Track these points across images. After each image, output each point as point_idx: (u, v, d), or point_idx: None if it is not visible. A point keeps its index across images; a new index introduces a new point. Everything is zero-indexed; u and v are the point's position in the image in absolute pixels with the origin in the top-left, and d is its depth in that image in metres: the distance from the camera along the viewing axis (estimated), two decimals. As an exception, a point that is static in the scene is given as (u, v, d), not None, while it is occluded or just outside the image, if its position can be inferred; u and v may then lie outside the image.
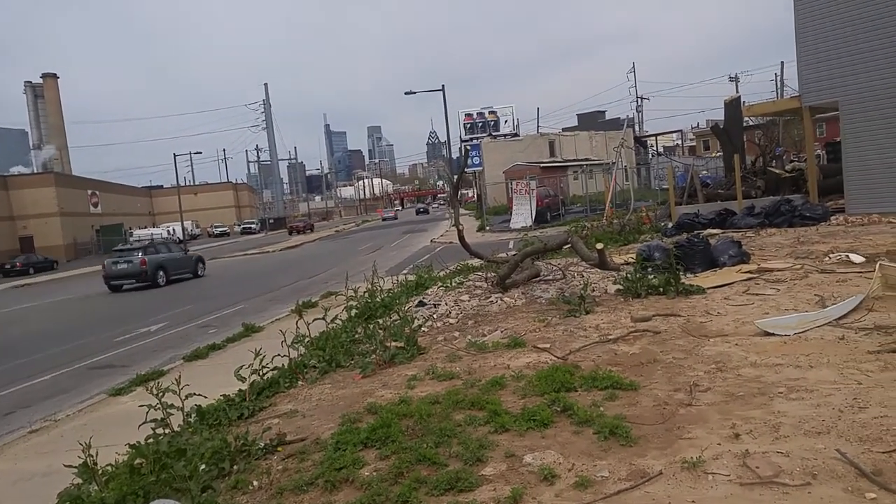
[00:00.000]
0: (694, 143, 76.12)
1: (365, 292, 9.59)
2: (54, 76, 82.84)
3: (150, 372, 8.05)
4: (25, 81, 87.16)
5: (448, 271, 12.83)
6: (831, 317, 5.86)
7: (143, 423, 4.36)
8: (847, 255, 9.18)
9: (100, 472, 3.77)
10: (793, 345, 5.29)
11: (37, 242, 46.43)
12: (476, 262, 12.77)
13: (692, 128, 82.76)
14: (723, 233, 14.37)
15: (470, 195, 69.02)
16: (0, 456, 5.80)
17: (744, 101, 23.97)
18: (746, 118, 25.42)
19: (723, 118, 22.90)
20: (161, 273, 21.52)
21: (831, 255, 9.52)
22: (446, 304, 9.31)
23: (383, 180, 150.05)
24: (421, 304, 9.53)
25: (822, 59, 15.62)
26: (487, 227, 31.06)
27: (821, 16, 15.50)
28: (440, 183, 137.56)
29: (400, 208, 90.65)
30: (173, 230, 59.23)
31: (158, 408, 4.22)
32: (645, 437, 3.78)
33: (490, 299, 9.16)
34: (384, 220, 68.37)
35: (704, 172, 33.10)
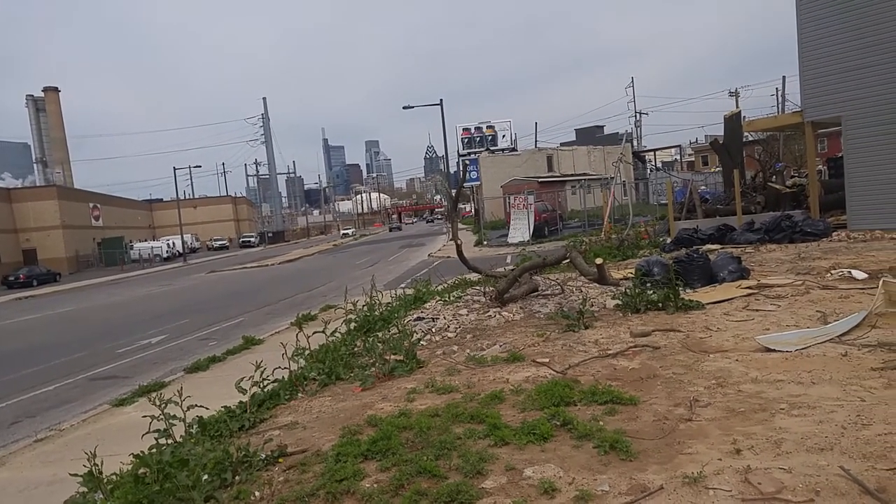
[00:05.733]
0: (693, 159, 76.63)
1: (364, 306, 9.62)
2: (56, 90, 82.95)
3: (151, 383, 8.08)
4: (27, 95, 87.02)
5: (446, 285, 12.82)
6: (833, 333, 5.81)
7: (147, 433, 4.39)
8: (849, 272, 9.10)
9: (105, 480, 3.79)
10: (794, 361, 5.27)
11: (40, 255, 46.47)
12: (474, 276, 12.78)
13: (691, 143, 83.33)
14: (722, 248, 14.35)
15: (467, 210, 69.59)
16: (6, 465, 5.81)
17: (744, 117, 24.16)
18: (747, 133, 25.53)
19: (722, 133, 23.04)
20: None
21: (833, 272, 9.42)
22: (445, 318, 9.32)
23: (381, 194, 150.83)
24: (419, 318, 9.54)
25: (825, 74, 15.44)
26: (485, 242, 31.07)
27: (824, 31, 15.33)
28: (437, 197, 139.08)
29: (401, 223, 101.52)
30: (173, 243, 59.22)
31: (161, 419, 4.25)
32: (645, 451, 3.78)
33: (488, 313, 9.17)
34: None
35: (703, 188, 33.30)
